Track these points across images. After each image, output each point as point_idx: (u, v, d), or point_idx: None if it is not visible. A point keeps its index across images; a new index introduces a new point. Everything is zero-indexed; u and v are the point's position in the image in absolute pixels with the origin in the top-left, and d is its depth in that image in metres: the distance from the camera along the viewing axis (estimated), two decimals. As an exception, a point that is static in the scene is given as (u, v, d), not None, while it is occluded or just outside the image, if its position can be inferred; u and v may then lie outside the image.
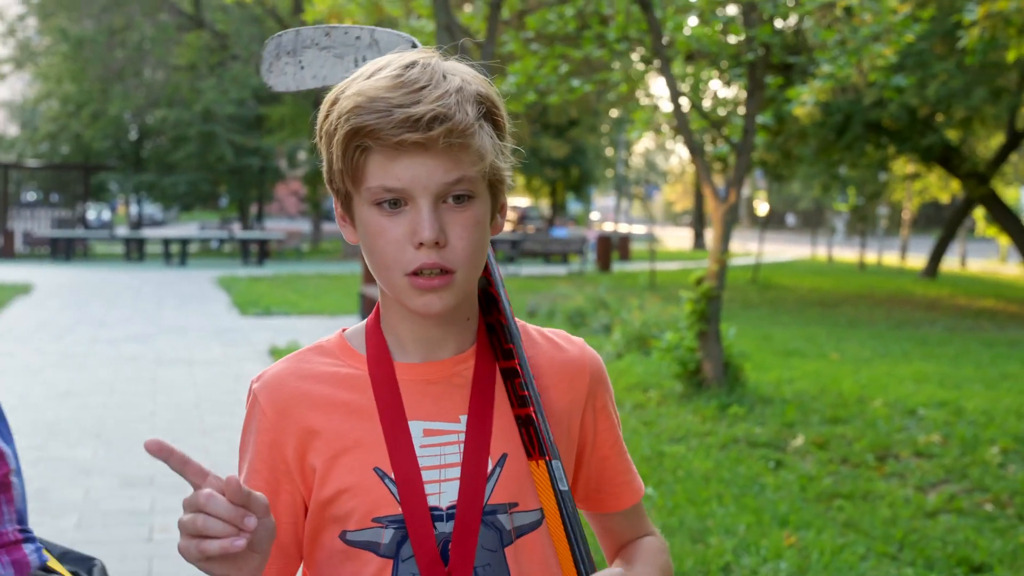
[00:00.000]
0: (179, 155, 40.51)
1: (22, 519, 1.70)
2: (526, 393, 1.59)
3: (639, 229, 67.88)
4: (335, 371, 1.63)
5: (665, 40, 10.27)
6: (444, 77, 1.48)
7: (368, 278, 17.20)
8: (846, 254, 47.13)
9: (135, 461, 7.84)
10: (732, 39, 10.74)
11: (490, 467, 1.60)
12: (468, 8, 10.76)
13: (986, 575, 5.57)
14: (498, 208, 1.59)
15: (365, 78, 1.49)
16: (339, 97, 1.50)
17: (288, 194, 59.67)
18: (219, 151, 39.28)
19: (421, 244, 1.47)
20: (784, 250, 52.36)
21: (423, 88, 1.45)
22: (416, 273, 1.49)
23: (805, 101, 10.71)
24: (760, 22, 10.42)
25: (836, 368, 12.78)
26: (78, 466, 7.74)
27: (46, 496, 6.97)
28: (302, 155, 46.10)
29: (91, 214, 47.62)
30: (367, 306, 17.05)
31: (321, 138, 1.54)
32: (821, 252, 47.94)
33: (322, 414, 1.59)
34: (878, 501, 6.89)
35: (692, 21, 10.98)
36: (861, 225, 41.99)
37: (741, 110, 12.47)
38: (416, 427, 1.59)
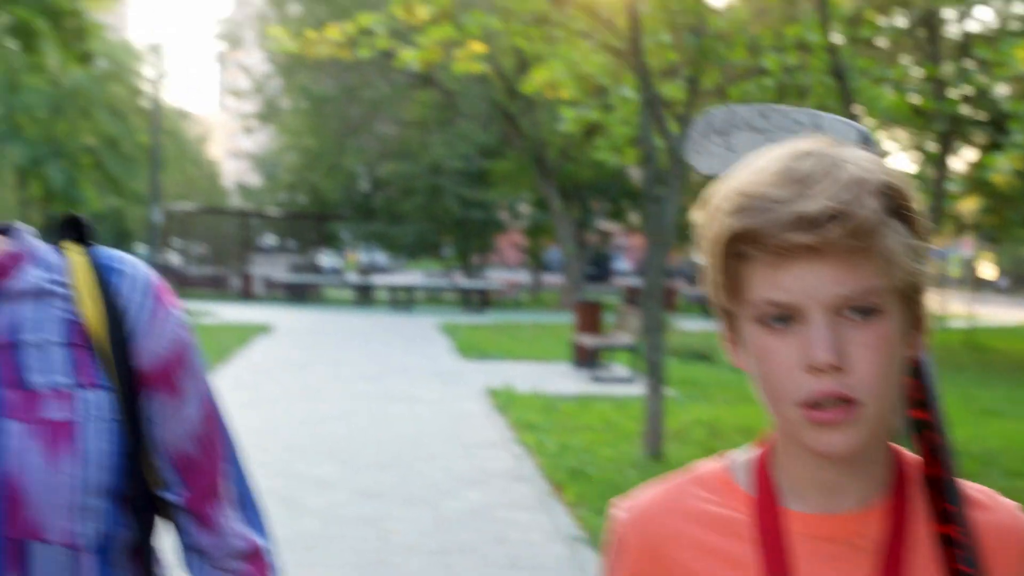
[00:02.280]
0: (407, 206, 42.37)
1: None
2: (971, 572, 1.26)
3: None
4: (714, 511, 1.35)
5: (858, 110, 10.94)
6: (839, 166, 1.21)
7: (582, 327, 18.12)
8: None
9: (369, 478, 9.02)
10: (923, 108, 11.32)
11: None
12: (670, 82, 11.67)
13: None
14: (915, 323, 1.26)
15: (749, 172, 1.25)
16: (716, 196, 1.27)
17: (509, 245, 61.30)
18: (445, 203, 40.93)
19: (815, 368, 1.19)
20: (1009, 314, 50.95)
21: (816, 182, 1.19)
22: (812, 405, 1.20)
23: (1001, 168, 11.20)
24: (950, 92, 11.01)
25: (1032, 428, 13.01)
26: (319, 481, 8.91)
27: (293, 503, 8.14)
28: (524, 208, 47.54)
29: (323, 260, 50.22)
30: (579, 355, 17.94)
31: (700, 245, 1.30)
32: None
33: (696, 562, 1.33)
34: None
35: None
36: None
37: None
38: None
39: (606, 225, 50.70)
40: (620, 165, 19.26)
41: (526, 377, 16.31)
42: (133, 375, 1.52)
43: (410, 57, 10.84)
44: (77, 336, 1.50)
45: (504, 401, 13.62)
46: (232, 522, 1.65)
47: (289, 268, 39.10)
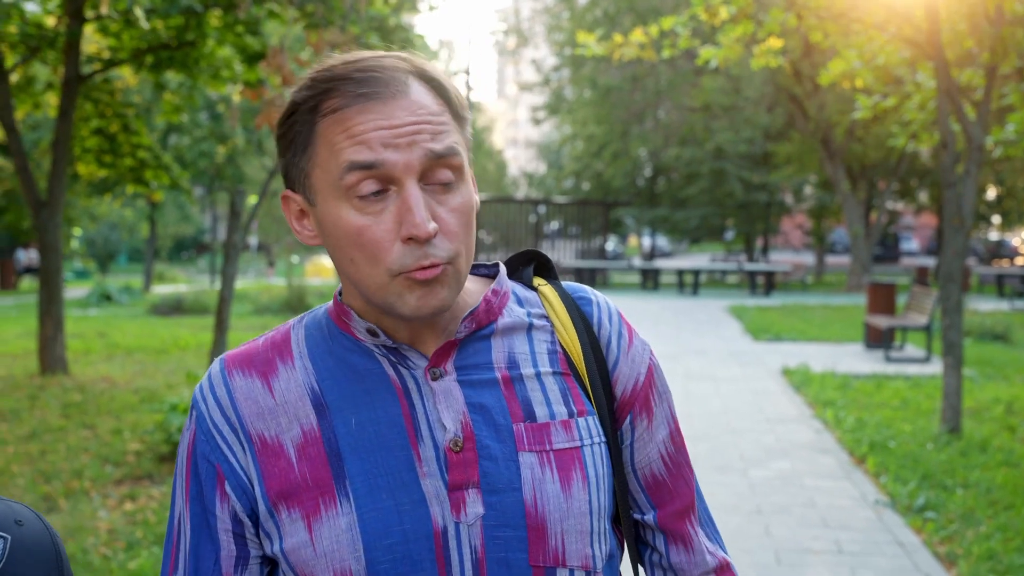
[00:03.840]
0: (691, 191, 42.86)
1: None
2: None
3: None
4: None
5: None
6: None
7: (874, 308, 18.31)
8: None
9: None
10: None
11: None
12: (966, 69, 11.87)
13: None
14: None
15: None
16: None
17: (793, 227, 60.88)
18: (728, 187, 41.22)
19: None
20: None
21: None
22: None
23: None
24: None
25: None
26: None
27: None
28: (808, 190, 47.24)
29: (609, 245, 51.25)
30: (871, 335, 18.14)
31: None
32: None
33: None
34: None
35: None
36: None
37: None
38: None
39: (894, 205, 49.80)
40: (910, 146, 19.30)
41: (819, 357, 16.71)
42: (613, 401, 1.58)
43: (711, 55, 11.49)
44: (563, 366, 1.57)
45: (800, 380, 14.11)
46: (702, 538, 1.67)
47: (576, 254, 40.15)
